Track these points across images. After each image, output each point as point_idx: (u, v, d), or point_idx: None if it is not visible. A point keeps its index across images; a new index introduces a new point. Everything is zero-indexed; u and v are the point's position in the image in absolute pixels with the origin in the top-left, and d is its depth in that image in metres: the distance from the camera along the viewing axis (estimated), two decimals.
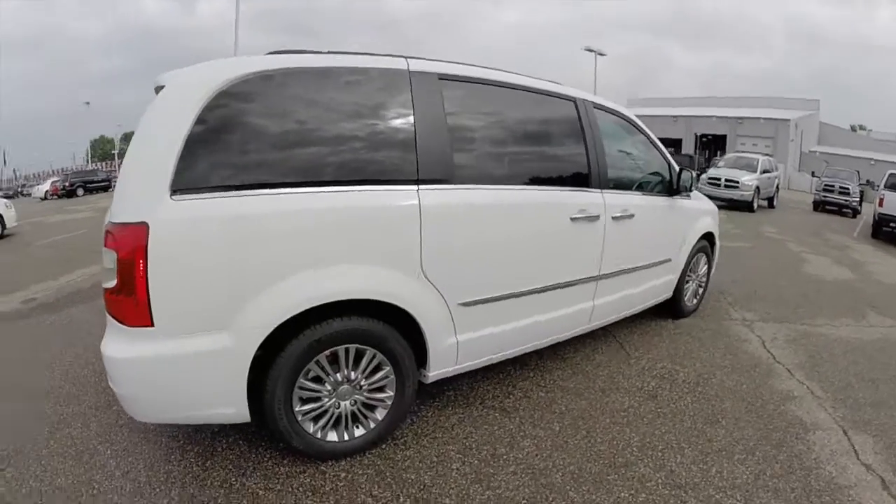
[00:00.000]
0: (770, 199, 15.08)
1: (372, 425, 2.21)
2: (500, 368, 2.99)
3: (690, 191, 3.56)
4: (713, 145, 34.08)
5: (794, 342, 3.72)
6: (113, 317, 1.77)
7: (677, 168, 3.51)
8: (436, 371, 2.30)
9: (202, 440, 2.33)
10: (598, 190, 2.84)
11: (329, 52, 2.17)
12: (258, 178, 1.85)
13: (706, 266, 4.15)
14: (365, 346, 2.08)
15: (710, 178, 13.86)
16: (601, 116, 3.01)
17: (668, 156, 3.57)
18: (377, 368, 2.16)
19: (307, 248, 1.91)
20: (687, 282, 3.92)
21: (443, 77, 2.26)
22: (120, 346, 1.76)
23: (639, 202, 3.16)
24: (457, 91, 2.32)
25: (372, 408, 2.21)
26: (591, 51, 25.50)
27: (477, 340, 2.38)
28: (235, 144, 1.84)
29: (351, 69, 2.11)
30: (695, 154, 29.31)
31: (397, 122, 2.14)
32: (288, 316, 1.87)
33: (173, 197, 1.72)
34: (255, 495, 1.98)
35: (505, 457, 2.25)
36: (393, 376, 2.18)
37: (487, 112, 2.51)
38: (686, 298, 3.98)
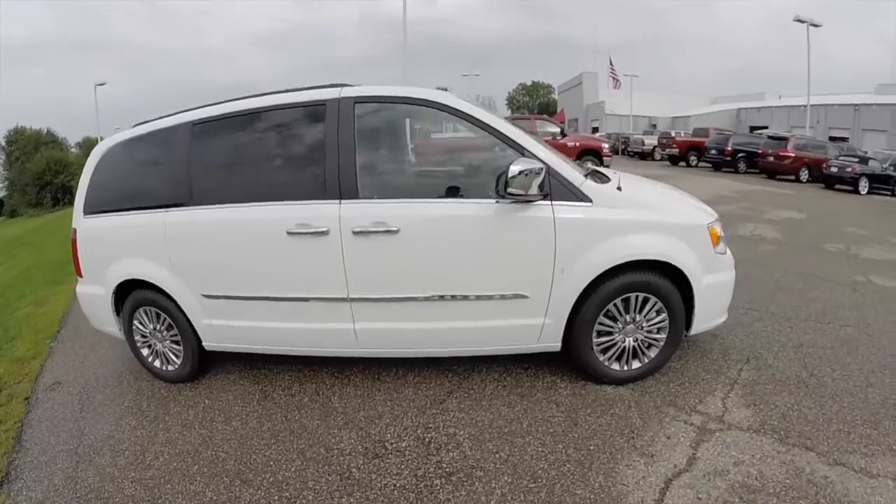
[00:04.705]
0: None
1: (176, 366, 2.76)
2: (317, 367, 2.78)
3: (504, 192, 2.06)
4: None
5: (747, 495, 1.70)
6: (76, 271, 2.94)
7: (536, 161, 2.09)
8: (207, 343, 2.64)
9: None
10: (335, 200, 2.21)
11: (160, 117, 2.69)
12: (111, 206, 2.68)
13: (664, 315, 2.29)
14: (159, 310, 2.67)
15: None
16: (382, 112, 2.33)
17: (535, 147, 2.15)
18: (171, 327, 2.69)
19: (122, 247, 2.65)
20: (606, 334, 2.32)
21: (196, 123, 2.50)
22: (78, 286, 2.89)
23: (418, 213, 2.18)
24: (206, 131, 2.49)
25: (176, 354, 2.76)
26: (801, 21, 18.38)
27: (230, 328, 2.54)
28: (104, 187, 2.72)
29: (154, 132, 2.63)
30: None
31: (172, 165, 2.55)
32: (116, 283, 2.67)
33: (84, 217, 2.74)
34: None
35: (216, 423, 2.39)
36: (180, 338, 2.68)
37: (226, 143, 2.51)
38: (605, 358, 2.35)
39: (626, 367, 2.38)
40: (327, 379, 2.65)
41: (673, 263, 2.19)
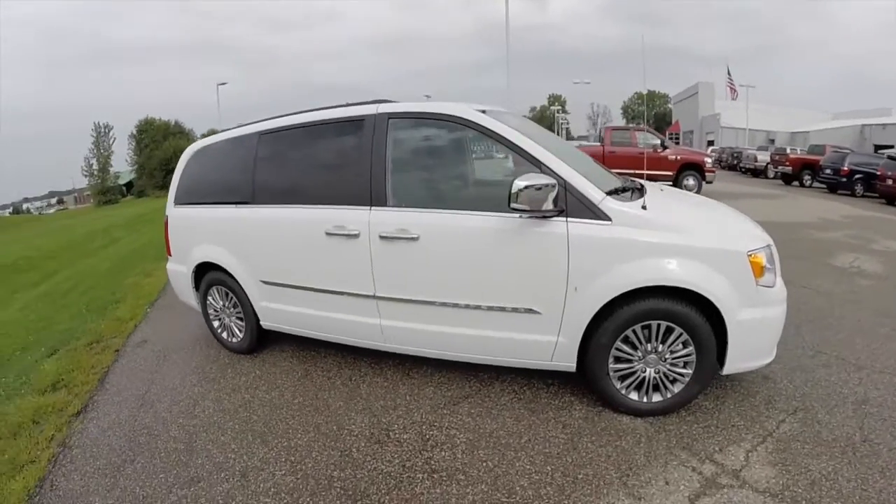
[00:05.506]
0: None
1: (239, 339, 3.21)
2: (357, 357, 3.06)
3: (509, 206, 2.08)
4: None
5: None
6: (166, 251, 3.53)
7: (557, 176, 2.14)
8: (263, 322, 3.06)
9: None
10: (367, 207, 2.44)
11: (236, 126, 3.21)
12: (196, 199, 3.20)
13: (690, 349, 2.15)
14: (227, 290, 3.13)
15: None
16: (412, 126, 2.52)
17: (553, 163, 2.17)
18: (236, 305, 3.15)
19: (201, 234, 3.14)
20: (625, 360, 2.24)
21: (264, 133, 2.90)
22: (168, 264, 3.50)
23: (437, 222, 2.31)
24: (269, 140, 2.88)
25: (239, 329, 3.21)
26: None
27: (281, 311, 2.93)
28: (191, 182, 3.25)
29: (232, 139, 3.09)
30: None
31: (243, 167, 2.95)
32: (195, 264, 3.18)
33: (175, 206, 3.30)
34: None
35: (258, 391, 2.75)
36: (243, 315, 3.12)
37: (284, 151, 2.85)
38: (622, 386, 2.27)
39: (645, 399, 2.28)
40: (363, 368, 2.91)
41: (698, 292, 2.05)
